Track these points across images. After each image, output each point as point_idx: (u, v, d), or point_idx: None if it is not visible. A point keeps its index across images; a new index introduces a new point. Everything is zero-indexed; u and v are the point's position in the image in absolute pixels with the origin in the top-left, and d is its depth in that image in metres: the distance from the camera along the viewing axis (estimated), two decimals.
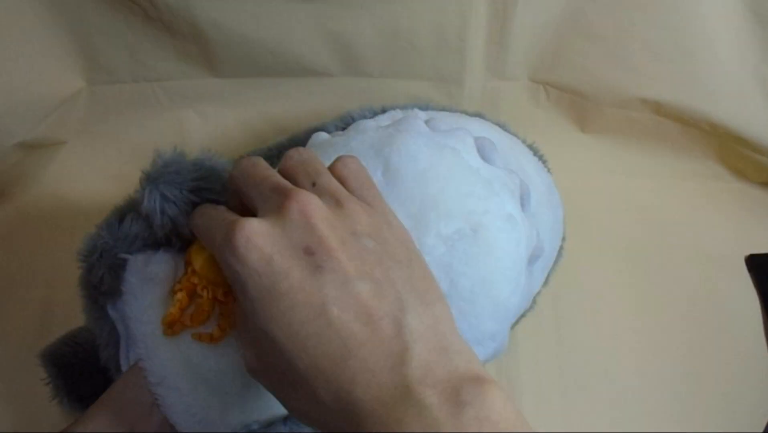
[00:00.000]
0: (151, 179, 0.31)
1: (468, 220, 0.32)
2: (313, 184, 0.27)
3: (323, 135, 0.39)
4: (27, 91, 0.50)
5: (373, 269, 0.24)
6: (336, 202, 0.26)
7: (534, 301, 0.43)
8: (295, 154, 0.28)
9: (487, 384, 0.21)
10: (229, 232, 0.24)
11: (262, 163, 0.28)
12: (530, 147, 0.45)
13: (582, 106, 0.56)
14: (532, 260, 0.36)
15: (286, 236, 0.24)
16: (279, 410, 0.34)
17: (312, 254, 0.23)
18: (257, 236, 0.24)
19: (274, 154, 0.40)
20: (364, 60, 0.52)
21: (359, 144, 0.35)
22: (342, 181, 0.27)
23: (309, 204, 0.24)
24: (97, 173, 0.55)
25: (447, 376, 0.21)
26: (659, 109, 0.55)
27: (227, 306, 0.31)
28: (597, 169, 0.58)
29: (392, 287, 0.24)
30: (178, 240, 0.33)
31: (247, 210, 0.27)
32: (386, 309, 0.23)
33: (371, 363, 0.22)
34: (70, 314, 0.40)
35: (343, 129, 0.41)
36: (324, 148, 0.36)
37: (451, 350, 0.23)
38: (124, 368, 0.35)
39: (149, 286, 0.33)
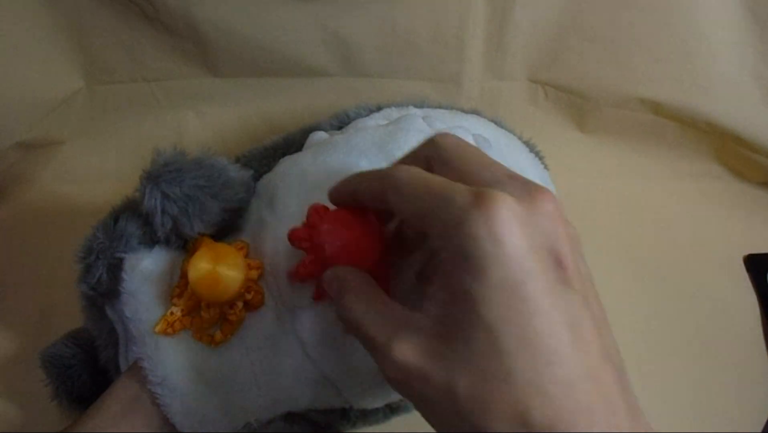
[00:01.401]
0: (151, 178, 0.31)
1: None
2: None
3: (321, 134, 0.39)
4: (26, 90, 0.50)
5: (594, 301, 0.22)
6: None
7: None
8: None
9: None
10: (484, 200, 0.21)
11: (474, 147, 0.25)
12: (526, 143, 0.45)
13: (581, 106, 0.56)
14: None
15: (538, 233, 0.21)
16: (279, 408, 0.34)
17: (560, 263, 0.21)
18: (517, 219, 0.21)
19: (270, 154, 0.40)
20: (362, 60, 0.52)
21: (362, 141, 0.35)
22: None
23: (558, 207, 0.22)
24: (96, 173, 0.55)
25: None
26: (658, 109, 0.55)
27: (233, 315, 0.31)
28: (596, 169, 0.58)
29: (606, 325, 0.23)
30: (177, 239, 0.33)
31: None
32: (609, 350, 0.22)
33: (597, 403, 0.20)
34: (70, 314, 0.40)
35: (339, 128, 0.41)
36: (324, 147, 0.36)
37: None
38: (123, 368, 0.35)
39: (147, 284, 0.33)
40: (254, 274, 0.32)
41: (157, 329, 0.32)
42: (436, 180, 0.23)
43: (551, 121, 0.57)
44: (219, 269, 0.30)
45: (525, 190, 0.22)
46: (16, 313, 0.48)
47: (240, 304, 0.32)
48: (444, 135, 0.25)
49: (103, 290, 0.34)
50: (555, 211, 0.22)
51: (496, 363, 0.20)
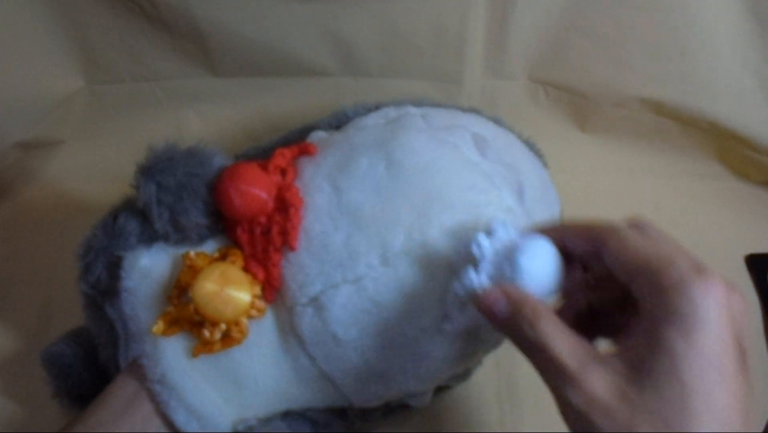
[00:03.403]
0: (145, 170, 0.31)
1: (470, 212, 0.32)
2: None
3: (321, 134, 0.39)
4: (26, 90, 0.50)
5: None
6: None
7: None
8: None
9: None
10: (705, 271, 0.25)
11: None
12: (526, 142, 0.45)
13: (581, 106, 0.56)
14: None
15: (734, 319, 0.25)
16: (278, 407, 0.34)
17: (743, 351, 0.25)
18: (726, 299, 0.24)
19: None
20: (363, 60, 0.52)
21: (361, 140, 0.35)
22: None
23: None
24: (96, 172, 0.55)
25: None
26: (659, 108, 0.55)
27: (239, 333, 0.31)
28: (596, 168, 0.58)
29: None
30: (176, 233, 0.33)
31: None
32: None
33: None
34: (71, 313, 0.40)
35: (337, 127, 0.41)
36: (325, 146, 0.36)
37: None
38: (123, 366, 0.35)
39: (146, 282, 0.33)
40: (258, 290, 0.32)
41: (155, 330, 0.31)
42: (657, 244, 0.26)
43: (551, 120, 0.57)
44: (228, 291, 0.30)
45: (725, 279, 0.25)
46: (16, 312, 0.48)
47: (245, 321, 0.31)
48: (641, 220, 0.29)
49: (102, 289, 0.34)
50: (744, 307, 0.26)
51: (681, 420, 0.22)
